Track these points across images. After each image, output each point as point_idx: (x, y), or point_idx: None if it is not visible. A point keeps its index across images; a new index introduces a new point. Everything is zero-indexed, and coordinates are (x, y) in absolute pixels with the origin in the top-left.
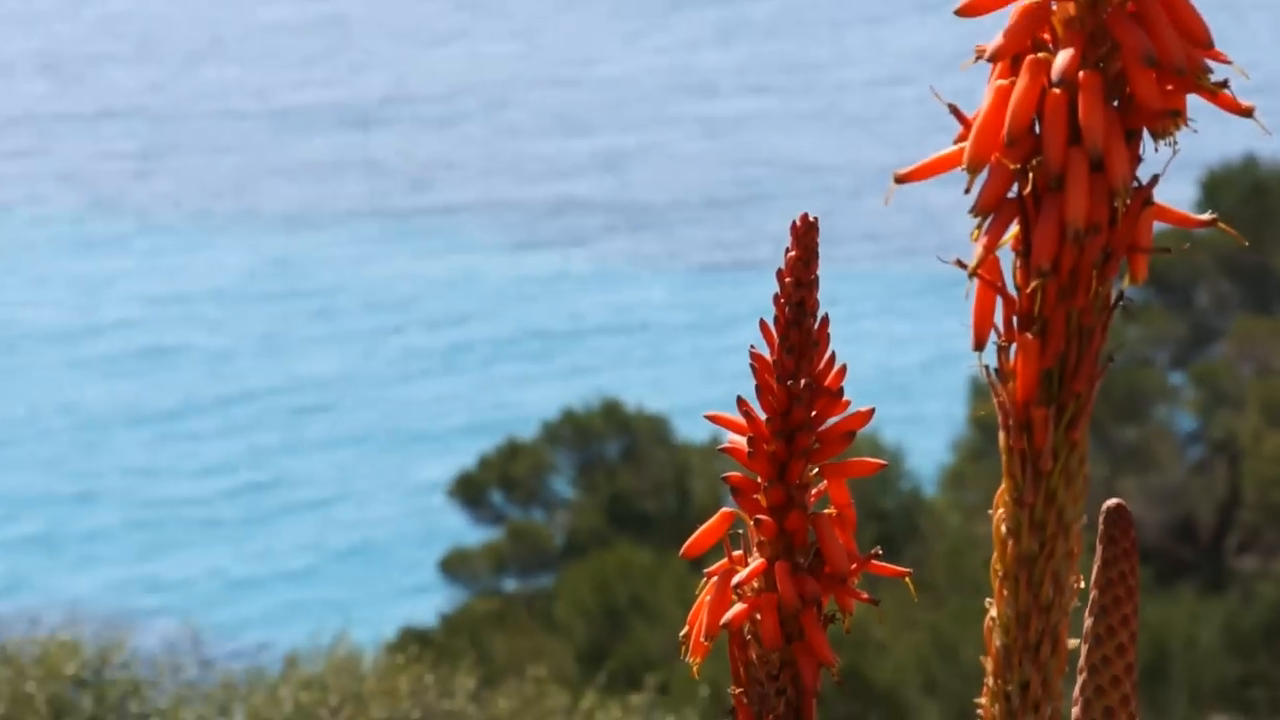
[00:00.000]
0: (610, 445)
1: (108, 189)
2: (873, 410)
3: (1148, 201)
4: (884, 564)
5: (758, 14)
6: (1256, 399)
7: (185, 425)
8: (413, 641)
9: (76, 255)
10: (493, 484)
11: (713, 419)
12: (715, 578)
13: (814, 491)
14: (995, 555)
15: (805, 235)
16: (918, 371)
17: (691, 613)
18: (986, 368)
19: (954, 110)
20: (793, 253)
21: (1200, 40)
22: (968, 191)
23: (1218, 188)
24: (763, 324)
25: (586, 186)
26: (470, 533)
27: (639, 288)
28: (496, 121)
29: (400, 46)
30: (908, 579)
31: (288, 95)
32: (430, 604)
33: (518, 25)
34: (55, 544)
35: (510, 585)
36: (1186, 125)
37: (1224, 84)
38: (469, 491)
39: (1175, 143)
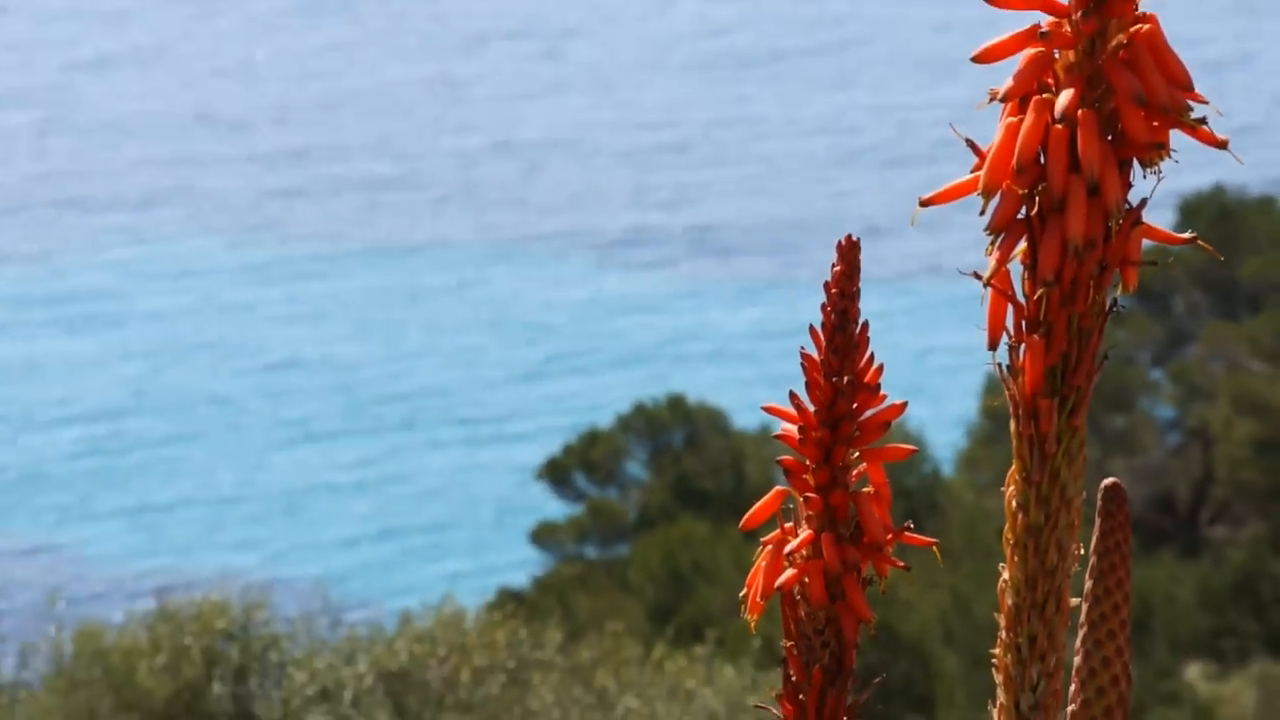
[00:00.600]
0: (675, 434)
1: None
2: (906, 403)
3: (1137, 222)
4: (913, 535)
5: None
6: (1226, 392)
7: (324, 425)
8: (509, 601)
9: None
10: (575, 467)
11: (769, 410)
12: (769, 546)
13: (854, 472)
14: (1007, 526)
15: (849, 253)
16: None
17: (749, 576)
18: (999, 365)
19: (970, 144)
20: (838, 268)
21: (1182, 83)
22: (982, 213)
23: (1192, 213)
24: (812, 329)
25: (661, 217)
26: (557, 508)
27: (706, 303)
28: (586, 160)
29: (499, 101)
30: (934, 547)
31: (408, 142)
32: (523, 569)
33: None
34: (216, 522)
35: (591, 553)
36: (1170, 156)
37: (1203, 120)
38: (555, 474)
39: (1160, 171)
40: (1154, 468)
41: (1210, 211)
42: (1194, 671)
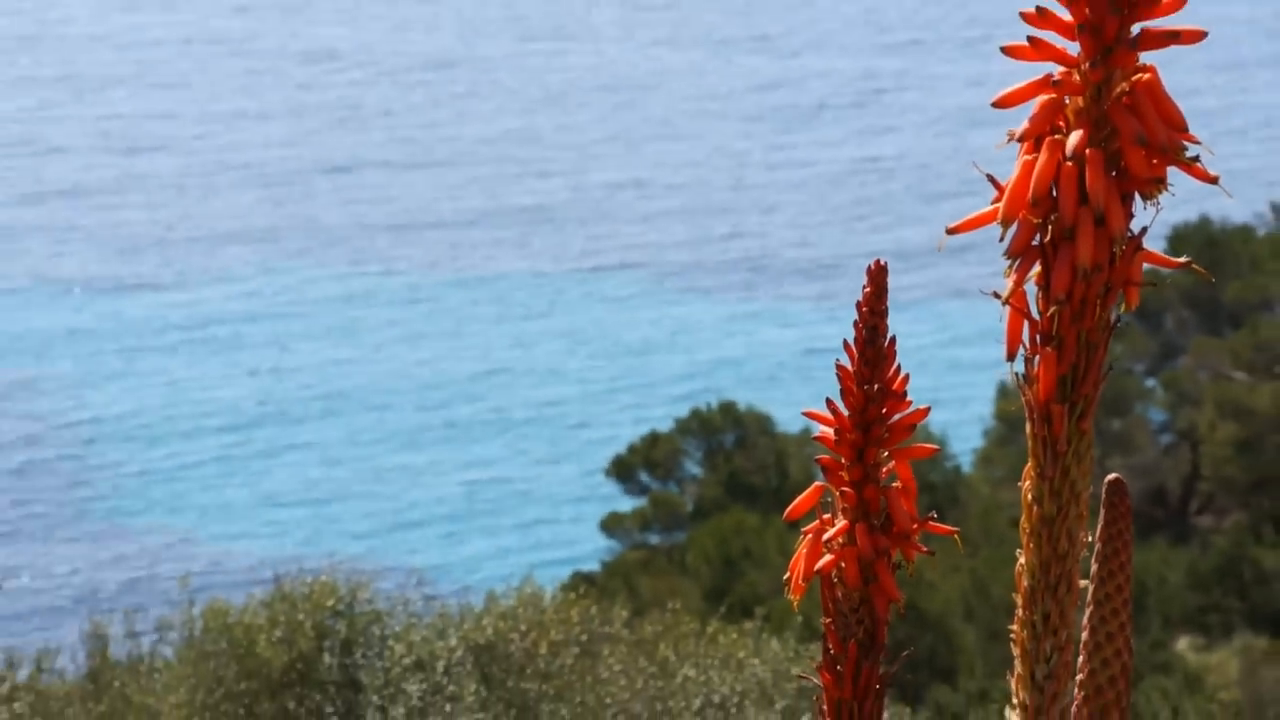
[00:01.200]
0: (727, 436)
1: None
2: (929, 408)
3: (1138, 248)
4: (936, 524)
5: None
6: (1211, 399)
7: (427, 433)
8: (581, 583)
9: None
10: (639, 465)
11: (809, 415)
12: (810, 535)
13: (884, 469)
14: (1023, 517)
15: (877, 276)
16: (955, 382)
17: (792, 561)
18: (1017, 374)
19: (990, 179)
20: (868, 289)
21: (1178, 125)
22: (1001, 240)
23: (1181, 241)
24: (846, 343)
25: (718, 249)
26: (623, 501)
27: (758, 323)
28: (654, 199)
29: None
30: (955, 536)
31: (498, 183)
32: (594, 555)
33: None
34: (329, 516)
35: (653, 540)
36: (1167, 190)
37: (1196, 159)
38: (622, 471)
39: (1159, 204)
40: (1148, 465)
41: (1197, 240)
42: (1184, 644)
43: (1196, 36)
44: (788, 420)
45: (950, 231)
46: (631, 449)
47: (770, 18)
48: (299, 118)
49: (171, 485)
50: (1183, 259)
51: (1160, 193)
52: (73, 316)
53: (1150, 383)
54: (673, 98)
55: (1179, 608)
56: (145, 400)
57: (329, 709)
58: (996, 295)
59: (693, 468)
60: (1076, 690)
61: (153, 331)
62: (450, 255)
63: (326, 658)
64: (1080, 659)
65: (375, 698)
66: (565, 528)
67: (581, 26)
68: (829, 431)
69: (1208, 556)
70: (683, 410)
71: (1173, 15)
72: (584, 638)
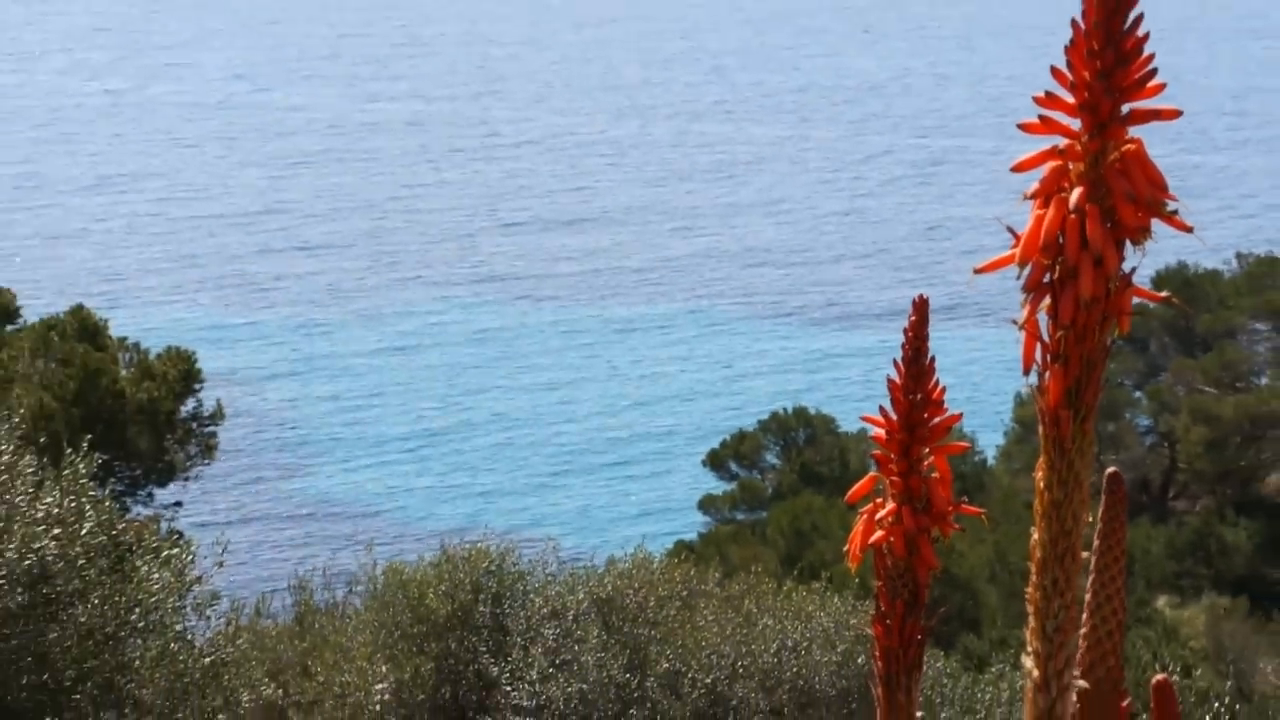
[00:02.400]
0: (799, 433)
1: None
2: (961, 414)
3: (1128, 285)
4: (966, 506)
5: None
6: (1186, 408)
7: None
8: (683, 550)
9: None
10: (730, 457)
11: (866, 419)
12: (865, 515)
13: (925, 462)
14: (1036, 501)
15: (920, 308)
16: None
17: (850, 536)
18: (1031, 386)
19: (1010, 230)
20: (913, 318)
21: (1160, 185)
22: (1018, 278)
23: (1162, 281)
24: (895, 362)
25: (802, 293)
26: (716, 485)
27: (829, 347)
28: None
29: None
30: (982, 515)
31: (649, 238)
32: (693, 528)
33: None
34: (489, 496)
35: (739, 517)
36: (1152, 238)
37: (1175, 212)
38: (717, 460)
39: (1145, 250)
40: (1135, 460)
41: (1176, 280)
42: (1162, 602)
43: (1173, 115)
44: (848, 422)
45: (977, 271)
46: (723, 444)
47: (865, 108)
48: (485, 186)
49: (367, 474)
50: (1164, 294)
51: (1146, 239)
52: (302, 343)
53: (1137, 394)
54: (782, 172)
55: (1159, 573)
56: (354, 413)
57: (482, 649)
58: (1015, 323)
59: (772, 459)
60: (1080, 640)
61: (361, 355)
62: (606, 298)
63: (481, 608)
64: (1084, 615)
65: (519, 640)
66: (673, 506)
67: (692, 108)
68: (881, 432)
69: (1182, 533)
70: (764, 413)
71: (1154, 98)
72: (684, 594)
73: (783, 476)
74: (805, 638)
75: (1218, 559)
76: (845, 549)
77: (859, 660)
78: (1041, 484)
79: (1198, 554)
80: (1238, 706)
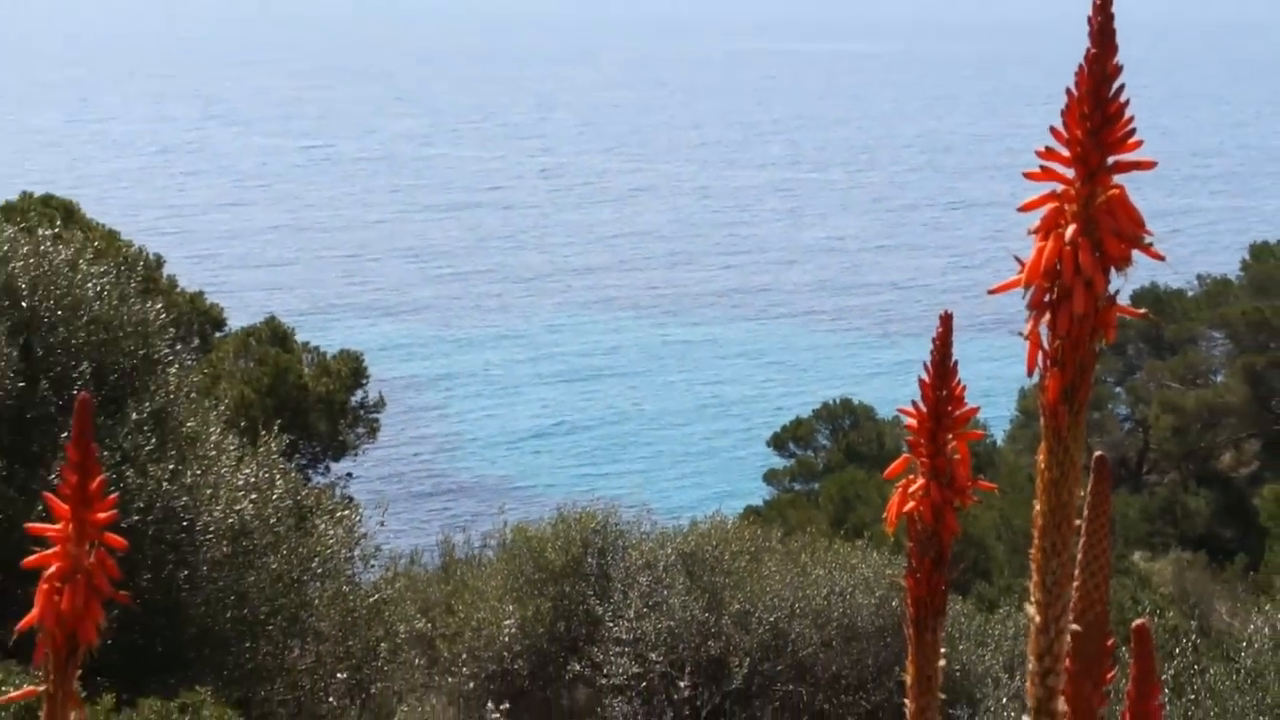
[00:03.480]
0: (845, 420)
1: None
2: (979, 407)
3: (1113, 303)
4: (981, 482)
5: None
6: (1157, 400)
7: (668, 418)
8: (751, 514)
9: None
10: (789, 439)
11: (901, 410)
12: (901, 488)
13: (950, 446)
14: (1038, 478)
15: (946, 320)
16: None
17: (888, 505)
18: (1034, 384)
19: (1017, 259)
20: (940, 329)
21: (1139, 222)
22: (1024, 297)
23: (1138, 299)
24: (925, 365)
25: (852, 298)
26: (777, 461)
27: (870, 348)
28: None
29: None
30: (995, 489)
31: (704, 257)
32: (760, 496)
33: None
34: (601, 473)
35: (797, 487)
36: (1132, 265)
37: (1150, 244)
38: (778, 442)
39: (1126, 275)
40: (1116, 442)
41: (1149, 298)
42: (1137, 556)
43: (1149, 165)
44: (884, 411)
45: (991, 292)
46: (784, 428)
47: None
48: (598, 224)
49: (500, 454)
50: (1142, 310)
51: (1128, 266)
52: (451, 351)
53: (1118, 389)
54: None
55: (1135, 533)
56: (491, 406)
57: (589, 592)
58: (1021, 334)
59: (823, 440)
60: (1074, 591)
61: (497, 360)
62: (693, 315)
63: (589, 559)
64: (1077, 569)
65: (618, 585)
66: (745, 480)
67: (759, 158)
68: (914, 422)
69: (1153, 501)
70: (817, 403)
71: (1134, 152)
72: (752, 549)
73: (831, 455)
74: (849, 585)
75: (1182, 522)
76: (884, 515)
77: (893, 604)
78: (1042, 464)
79: (1166, 517)
80: (1199, 640)
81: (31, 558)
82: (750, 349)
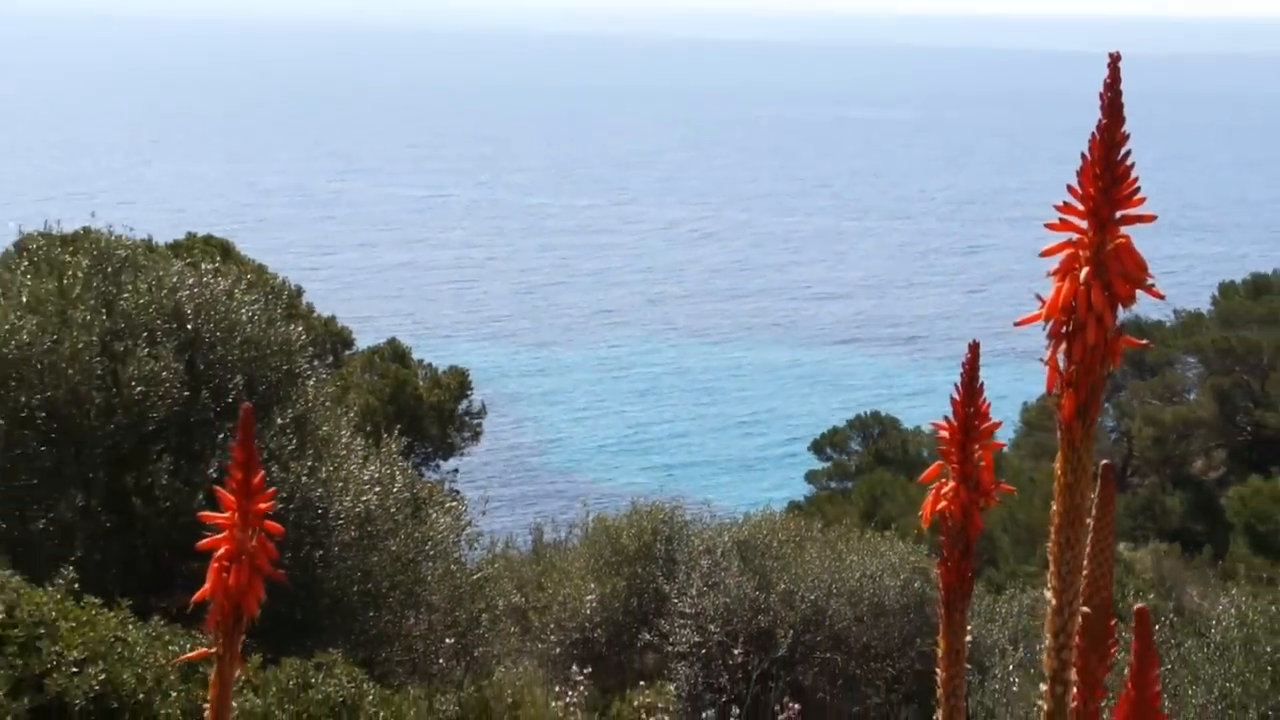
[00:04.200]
0: (875, 429)
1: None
2: (1000, 422)
3: (1120, 334)
4: (1004, 485)
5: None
6: (1139, 415)
7: (729, 430)
8: (795, 508)
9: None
10: (827, 445)
11: (935, 424)
12: (934, 491)
13: (976, 455)
14: (1055, 482)
15: (974, 349)
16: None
17: (923, 505)
18: (1052, 401)
19: (1038, 297)
20: (969, 355)
21: (1143, 266)
22: (1044, 329)
23: (1124, 328)
24: (956, 386)
25: (878, 327)
26: (816, 464)
27: (904, 371)
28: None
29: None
30: (1013, 492)
31: (748, 297)
32: (802, 493)
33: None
34: (669, 472)
35: (834, 486)
36: (1136, 302)
37: (1152, 285)
38: (818, 447)
39: (1132, 310)
40: (1104, 450)
41: (1134, 327)
42: (1122, 547)
43: (1150, 219)
44: (908, 423)
45: (1017, 324)
46: (822, 436)
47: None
48: (665, 264)
49: (584, 455)
50: (1144, 341)
51: (1132, 304)
52: (545, 367)
53: (1106, 405)
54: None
55: (1120, 527)
56: (577, 415)
57: (658, 573)
58: (1042, 360)
59: (856, 446)
60: (1084, 578)
61: (584, 377)
62: (776, 340)
63: (658, 545)
64: (1085, 559)
65: (683, 567)
66: (790, 479)
67: (804, 206)
68: (945, 434)
69: (1136, 500)
70: (852, 415)
71: (1138, 207)
72: (796, 538)
73: (862, 458)
74: (878, 569)
75: (1160, 518)
76: (908, 510)
77: (915, 585)
78: (1059, 471)
79: (1146, 514)
80: (1175, 619)
81: (205, 541)
82: (796, 370)
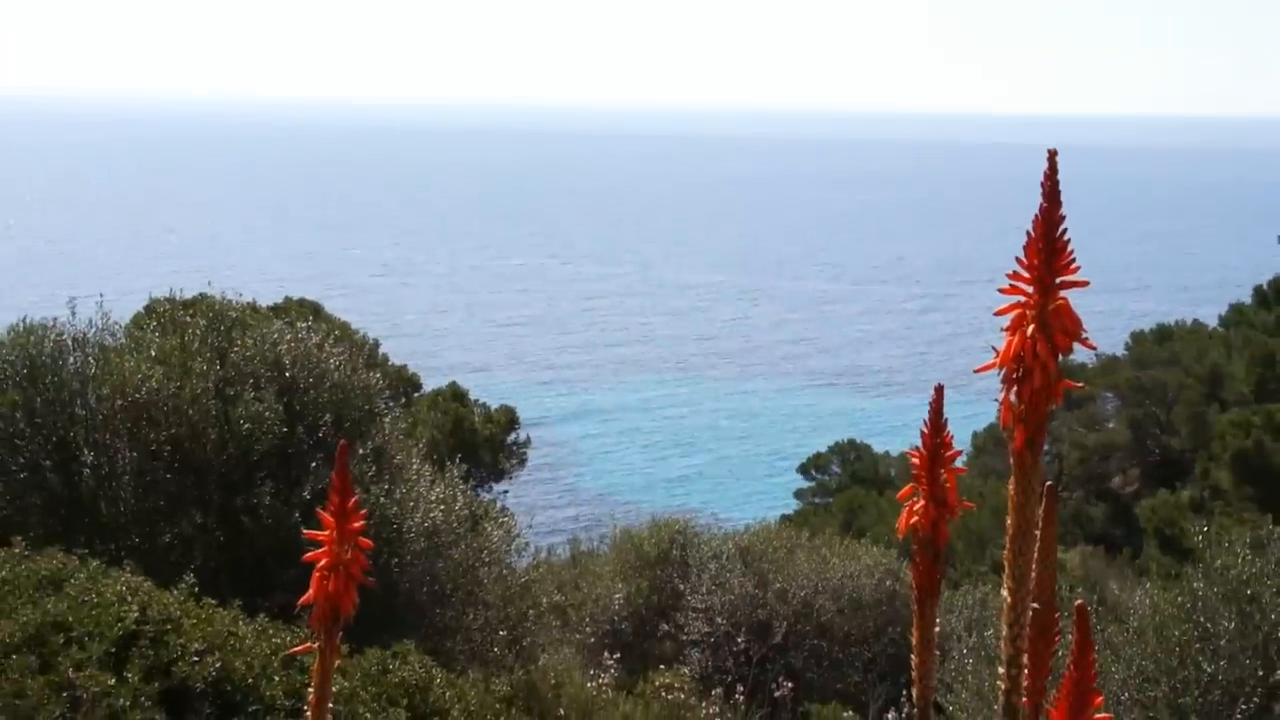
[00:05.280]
0: (852, 454)
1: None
2: (961, 451)
3: (1060, 379)
4: (965, 503)
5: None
6: (1068, 440)
7: (739, 458)
8: (786, 520)
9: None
10: (811, 467)
11: (909, 453)
12: (907, 508)
13: (943, 478)
14: (1009, 500)
15: (939, 392)
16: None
17: (899, 519)
18: (1006, 433)
19: (994, 349)
20: (934, 398)
21: (1078, 323)
22: (999, 374)
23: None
24: (924, 420)
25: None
26: (802, 483)
27: (880, 405)
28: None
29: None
30: (973, 508)
31: (759, 350)
32: (791, 507)
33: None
34: (684, 485)
35: (818, 500)
36: (1073, 352)
37: (1086, 338)
38: (804, 469)
39: (1070, 358)
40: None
41: (1066, 369)
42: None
43: (1083, 284)
44: (880, 447)
45: (977, 371)
46: (808, 459)
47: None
48: (681, 319)
49: (615, 478)
50: (1080, 384)
51: (1070, 353)
52: (583, 401)
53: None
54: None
55: (1084, 531)
56: (610, 443)
57: (674, 574)
58: (996, 400)
59: (836, 468)
60: (1032, 579)
61: (614, 409)
62: (776, 384)
63: (674, 551)
64: (1034, 564)
65: (694, 569)
66: (781, 495)
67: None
68: (917, 460)
69: (1065, 510)
70: (833, 441)
71: (1074, 274)
72: (788, 544)
73: (841, 479)
74: (856, 570)
75: (1085, 525)
76: (890, 523)
77: (887, 584)
78: (1011, 491)
79: (1074, 521)
80: (1099, 608)
81: (308, 554)
82: (789, 408)
